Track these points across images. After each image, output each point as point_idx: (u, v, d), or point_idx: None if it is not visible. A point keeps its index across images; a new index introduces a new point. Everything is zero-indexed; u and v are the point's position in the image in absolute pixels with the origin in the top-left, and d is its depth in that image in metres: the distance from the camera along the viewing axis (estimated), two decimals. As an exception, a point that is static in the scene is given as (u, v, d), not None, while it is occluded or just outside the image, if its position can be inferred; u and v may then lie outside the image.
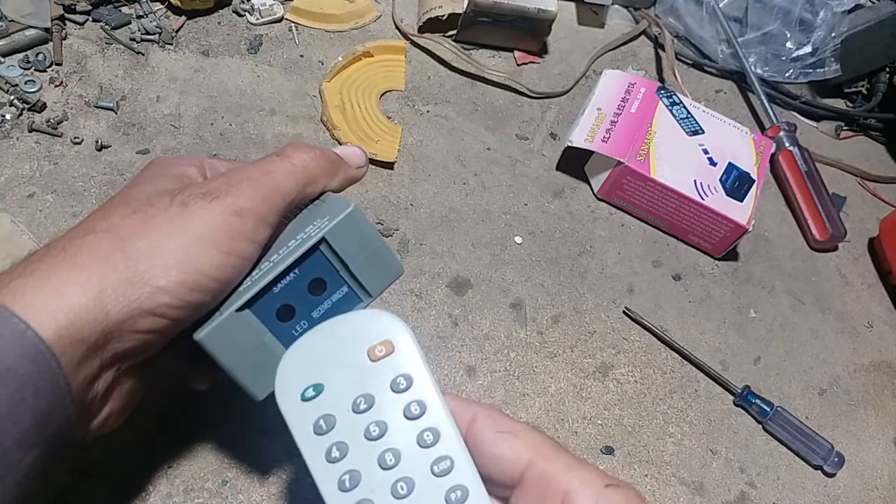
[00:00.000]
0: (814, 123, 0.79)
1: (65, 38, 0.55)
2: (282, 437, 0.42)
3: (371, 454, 0.26)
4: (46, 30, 0.54)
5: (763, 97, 0.72)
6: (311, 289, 0.33)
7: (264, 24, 0.62)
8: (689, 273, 0.61)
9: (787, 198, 0.70)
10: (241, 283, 0.31)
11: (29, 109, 0.51)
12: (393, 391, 0.27)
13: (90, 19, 0.57)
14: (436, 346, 0.50)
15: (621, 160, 0.58)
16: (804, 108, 0.78)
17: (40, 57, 0.53)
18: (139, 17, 0.59)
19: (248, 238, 0.30)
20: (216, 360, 0.30)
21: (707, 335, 0.57)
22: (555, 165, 0.63)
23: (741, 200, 0.59)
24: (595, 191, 0.62)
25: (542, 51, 0.71)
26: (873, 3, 0.80)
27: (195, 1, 0.59)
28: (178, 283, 0.27)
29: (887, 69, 0.78)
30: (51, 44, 0.54)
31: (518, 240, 0.57)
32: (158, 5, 0.60)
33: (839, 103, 0.81)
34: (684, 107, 0.63)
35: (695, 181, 0.59)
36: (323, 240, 0.32)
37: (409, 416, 0.27)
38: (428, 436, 0.27)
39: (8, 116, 0.50)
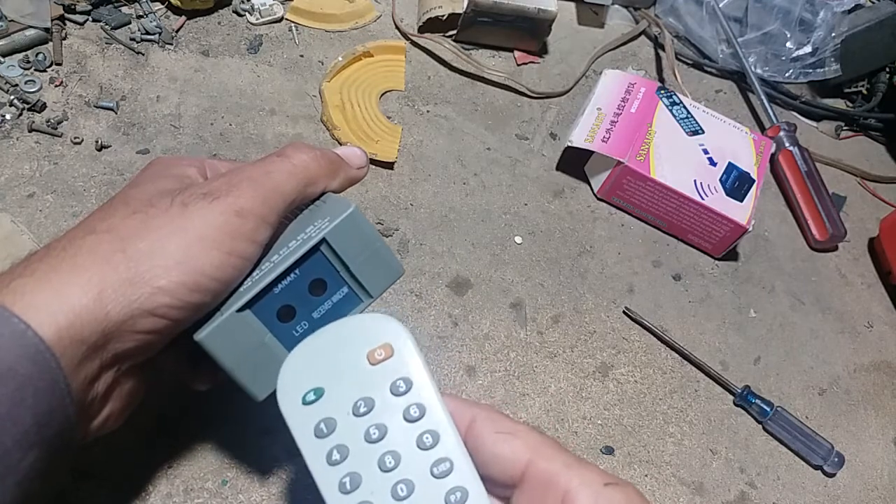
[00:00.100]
0: (814, 123, 0.79)
1: (65, 38, 0.55)
2: (282, 437, 0.42)
3: (371, 457, 0.27)
4: (46, 30, 0.54)
5: (763, 97, 0.72)
6: (312, 289, 0.33)
7: (264, 24, 0.62)
8: (689, 273, 0.61)
9: (787, 198, 0.70)
10: (241, 284, 0.31)
11: (29, 109, 0.51)
12: (392, 394, 0.28)
13: (90, 19, 0.57)
14: (436, 346, 0.50)
15: (621, 160, 0.58)
16: (804, 108, 0.78)
17: (40, 57, 0.53)
18: (139, 17, 0.59)
19: (249, 238, 0.30)
20: (216, 360, 0.30)
21: (707, 335, 0.57)
22: (555, 165, 0.63)
23: (741, 200, 0.59)
24: (595, 191, 0.62)
25: (542, 51, 0.71)
26: (873, 3, 0.80)
27: (195, 1, 0.59)
28: (179, 283, 0.27)
29: (887, 69, 0.78)
30: (51, 44, 0.54)
31: (518, 240, 0.57)
32: (158, 5, 0.60)
33: (839, 103, 0.81)
34: (684, 107, 0.63)
35: (695, 181, 0.59)
36: (323, 240, 0.32)
37: (409, 419, 0.27)
38: (427, 438, 0.27)
39: (8, 116, 0.50)
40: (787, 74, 0.78)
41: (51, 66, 0.53)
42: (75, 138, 0.50)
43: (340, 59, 0.61)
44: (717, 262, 0.62)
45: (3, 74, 0.51)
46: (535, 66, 0.70)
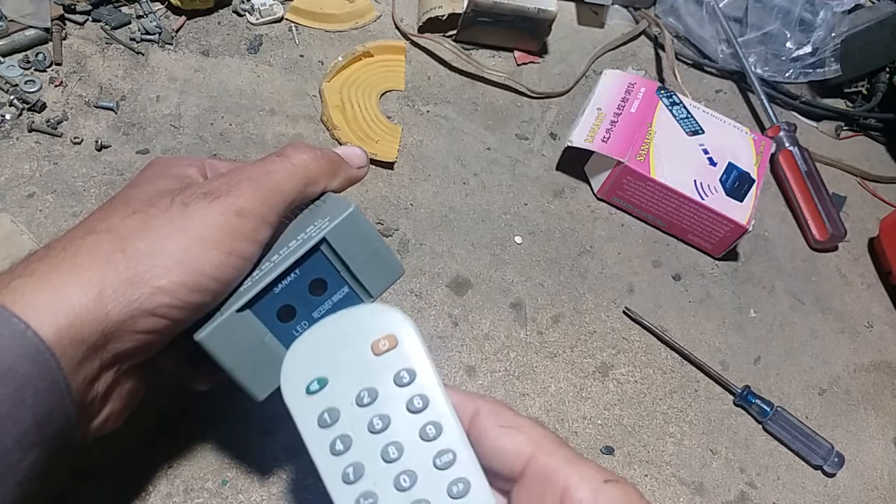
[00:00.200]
0: (814, 123, 0.79)
1: (65, 38, 0.55)
2: (282, 437, 0.42)
3: (374, 447, 0.27)
4: (46, 30, 0.54)
5: (763, 97, 0.72)
6: (312, 289, 0.33)
7: (264, 24, 0.62)
8: (689, 273, 0.61)
9: (787, 198, 0.70)
10: (241, 284, 0.31)
11: (29, 109, 0.51)
12: (396, 385, 0.28)
13: (90, 19, 0.57)
14: (436, 346, 0.50)
15: (621, 160, 0.58)
16: (804, 108, 0.78)
17: (40, 57, 0.53)
18: (139, 17, 0.59)
19: (249, 238, 0.30)
20: (217, 360, 0.30)
21: (707, 335, 0.57)
22: (555, 165, 0.63)
23: (741, 200, 0.59)
24: (595, 191, 0.62)
25: (542, 51, 0.71)
26: (873, 3, 0.80)
27: (195, 1, 0.59)
28: (179, 283, 0.27)
29: (887, 69, 0.78)
30: (51, 44, 0.54)
31: (518, 240, 0.57)
32: (158, 5, 0.60)
33: (839, 103, 0.81)
34: (684, 107, 0.63)
35: (695, 181, 0.59)
36: (324, 240, 0.32)
37: (412, 410, 0.27)
38: (430, 429, 0.27)
39: (8, 116, 0.50)
40: (787, 74, 0.78)
41: (51, 66, 0.53)
42: (75, 138, 0.50)
43: (340, 59, 0.61)
44: (717, 262, 0.62)
45: (3, 74, 0.51)
46: (535, 66, 0.70)
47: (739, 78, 0.78)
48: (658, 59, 0.76)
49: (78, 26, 0.57)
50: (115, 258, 0.27)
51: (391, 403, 0.27)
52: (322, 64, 0.62)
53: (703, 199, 0.58)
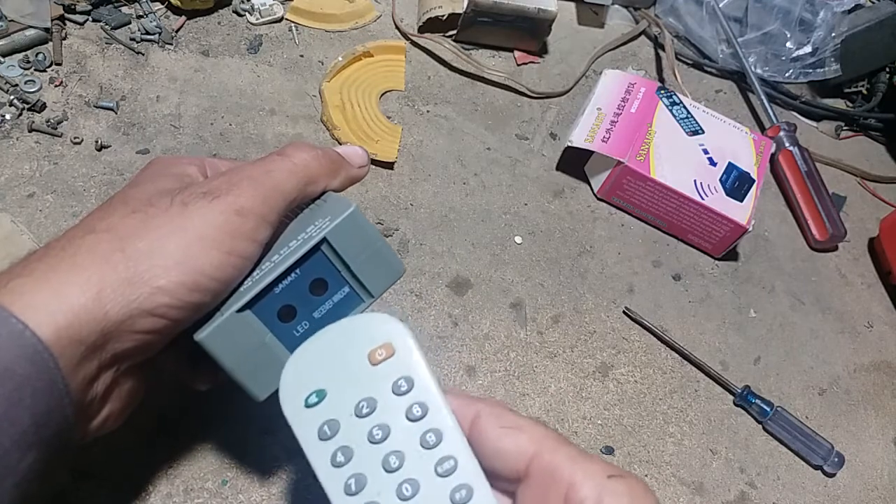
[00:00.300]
0: (814, 123, 0.79)
1: (65, 38, 0.55)
2: (282, 437, 0.42)
3: (375, 457, 0.27)
4: (46, 30, 0.54)
5: (763, 97, 0.72)
6: (313, 289, 0.33)
7: (264, 24, 0.62)
8: (689, 273, 0.61)
9: (787, 198, 0.70)
10: (241, 284, 0.31)
11: (29, 109, 0.51)
12: (394, 394, 0.28)
13: (90, 19, 0.57)
14: (436, 346, 0.50)
15: (621, 160, 0.58)
16: (804, 108, 0.78)
17: (40, 57, 0.53)
18: (139, 17, 0.58)
19: (249, 238, 0.30)
20: (217, 360, 0.30)
21: (707, 335, 0.57)
22: (555, 165, 0.63)
23: (741, 200, 0.59)
24: (595, 191, 0.62)
25: (542, 51, 0.71)
26: (873, 3, 0.80)
27: (195, 1, 0.59)
28: (178, 283, 0.27)
29: (887, 69, 0.78)
30: (51, 44, 0.54)
31: (518, 240, 0.57)
32: (158, 5, 0.60)
33: (839, 103, 0.81)
34: (684, 107, 0.63)
35: (695, 181, 0.59)
36: (324, 240, 0.32)
37: (412, 418, 0.27)
38: (431, 437, 0.27)
39: (8, 116, 0.50)
40: (787, 74, 0.78)
41: (51, 66, 0.53)
42: (75, 138, 0.50)
43: (340, 59, 0.61)
44: (717, 262, 0.62)
45: (3, 74, 0.51)
46: (535, 66, 0.70)
47: (739, 78, 0.78)
48: (658, 59, 0.76)
49: (78, 26, 0.57)
50: (114, 258, 0.27)
51: (390, 413, 0.27)
52: (322, 64, 0.62)
53: (703, 199, 0.58)
